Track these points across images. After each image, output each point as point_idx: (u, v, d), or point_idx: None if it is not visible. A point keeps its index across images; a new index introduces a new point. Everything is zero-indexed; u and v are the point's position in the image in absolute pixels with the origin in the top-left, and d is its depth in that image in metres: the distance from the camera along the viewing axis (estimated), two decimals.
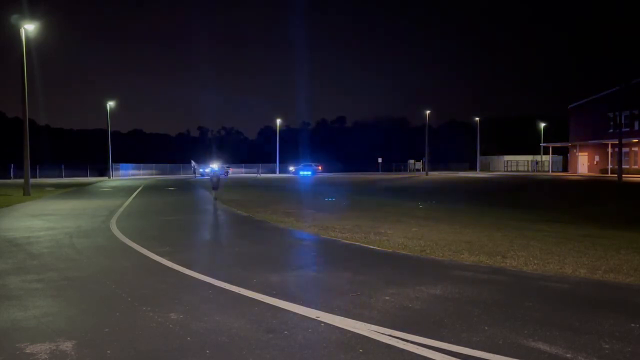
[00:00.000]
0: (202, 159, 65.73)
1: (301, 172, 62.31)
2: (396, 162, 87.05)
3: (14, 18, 24.97)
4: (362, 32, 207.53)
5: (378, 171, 76.27)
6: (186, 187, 36.27)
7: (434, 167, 77.01)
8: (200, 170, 59.02)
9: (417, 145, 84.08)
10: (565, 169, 70.03)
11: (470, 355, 4.08)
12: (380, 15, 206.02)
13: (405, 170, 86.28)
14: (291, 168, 68.56)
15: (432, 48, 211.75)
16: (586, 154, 61.27)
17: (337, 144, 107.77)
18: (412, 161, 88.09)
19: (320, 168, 67.10)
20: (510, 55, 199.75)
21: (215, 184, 23.11)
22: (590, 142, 58.01)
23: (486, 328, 4.73)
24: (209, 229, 13.34)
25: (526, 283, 6.53)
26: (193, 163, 63.32)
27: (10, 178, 49.21)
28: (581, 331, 4.62)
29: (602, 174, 55.24)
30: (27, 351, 4.26)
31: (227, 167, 63.28)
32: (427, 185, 37.24)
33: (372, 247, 9.41)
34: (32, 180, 26.88)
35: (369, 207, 18.30)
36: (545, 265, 7.50)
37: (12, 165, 49.98)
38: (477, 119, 79.69)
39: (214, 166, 59.04)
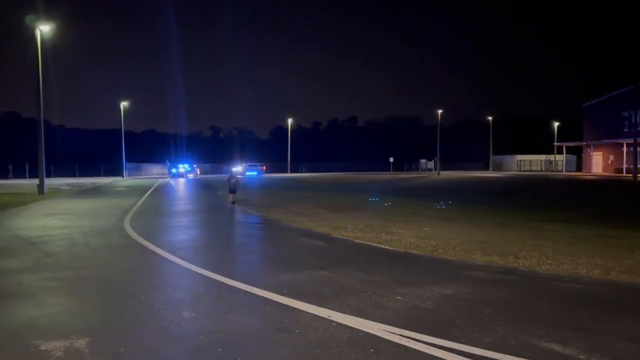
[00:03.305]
0: (217, 159, 65.25)
1: (247, 173, 62.27)
2: (408, 162, 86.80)
3: (29, 19, 25.26)
4: (376, 32, 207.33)
5: (390, 170, 76.10)
6: (198, 186, 36.45)
7: (446, 166, 76.55)
8: (173, 170, 56.63)
9: (429, 144, 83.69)
10: (579, 169, 69.33)
11: (482, 356, 4.06)
12: (394, 15, 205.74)
13: (417, 169, 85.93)
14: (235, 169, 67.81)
15: (445, 47, 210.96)
16: (600, 153, 60.59)
17: (348, 144, 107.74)
18: (423, 160, 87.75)
19: (265, 168, 67.98)
20: (524, 53, 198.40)
21: (233, 186, 19.62)
22: (604, 141, 57.39)
23: (498, 328, 4.71)
24: (221, 228, 13.37)
25: (539, 283, 6.48)
26: (168, 163, 62.46)
27: (25, 177, 49.76)
28: (595, 332, 4.58)
29: (617, 173, 54.61)
30: (42, 348, 4.32)
31: (196, 167, 63.52)
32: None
33: (383, 246, 9.40)
34: (46, 180, 27.14)
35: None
36: (558, 266, 7.43)
37: (27, 165, 50.47)
38: (490, 118, 79.32)
39: (185, 166, 58.96)
